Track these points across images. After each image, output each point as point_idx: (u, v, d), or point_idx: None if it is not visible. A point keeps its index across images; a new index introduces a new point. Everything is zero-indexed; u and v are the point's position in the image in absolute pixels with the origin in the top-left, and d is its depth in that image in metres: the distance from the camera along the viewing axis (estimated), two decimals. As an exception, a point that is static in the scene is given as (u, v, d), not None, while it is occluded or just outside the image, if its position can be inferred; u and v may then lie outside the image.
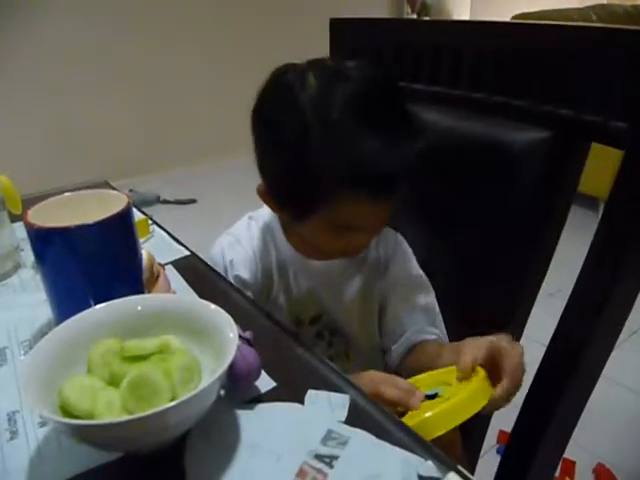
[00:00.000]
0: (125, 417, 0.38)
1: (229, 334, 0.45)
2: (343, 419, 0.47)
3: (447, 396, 0.66)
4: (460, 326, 0.77)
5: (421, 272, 0.85)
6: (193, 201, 3.37)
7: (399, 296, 0.83)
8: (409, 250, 0.86)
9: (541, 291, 0.81)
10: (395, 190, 0.67)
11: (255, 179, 0.73)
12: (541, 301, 0.82)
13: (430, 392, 0.69)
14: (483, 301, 0.83)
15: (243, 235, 0.81)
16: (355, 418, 0.47)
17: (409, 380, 0.73)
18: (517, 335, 0.83)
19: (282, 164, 0.68)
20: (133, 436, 0.39)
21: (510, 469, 0.84)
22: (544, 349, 0.75)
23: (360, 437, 0.45)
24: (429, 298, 0.84)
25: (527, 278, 0.79)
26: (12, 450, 0.46)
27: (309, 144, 0.63)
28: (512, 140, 0.75)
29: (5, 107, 3.05)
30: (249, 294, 0.76)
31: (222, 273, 0.77)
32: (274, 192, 0.72)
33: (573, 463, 1.47)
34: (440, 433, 0.60)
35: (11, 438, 0.47)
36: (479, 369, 0.65)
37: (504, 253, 0.78)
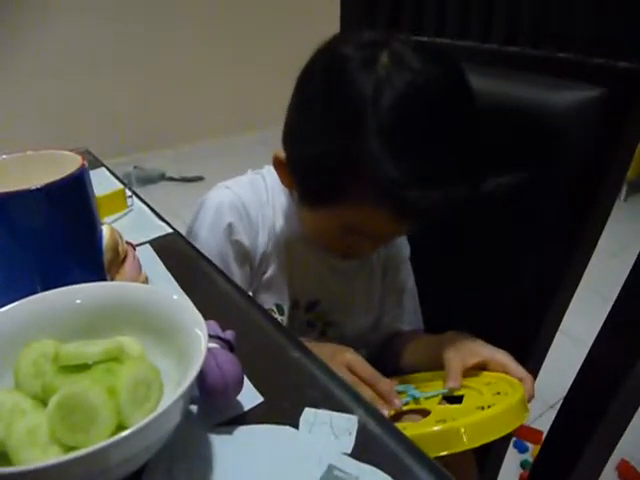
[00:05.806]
0: (35, 464, 0.26)
1: (197, 334, 0.34)
2: (349, 450, 0.36)
3: (477, 403, 0.56)
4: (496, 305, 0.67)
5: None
6: (200, 178, 3.25)
7: (392, 277, 0.81)
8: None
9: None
10: (423, 219, 0.60)
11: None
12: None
13: (442, 391, 0.61)
14: (526, 278, 0.72)
15: (249, 196, 0.72)
16: (364, 448, 0.36)
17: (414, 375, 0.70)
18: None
19: (317, 143, 0.58)
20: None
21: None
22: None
23: (371, 477, 0.34)
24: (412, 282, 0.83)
25: (574, 255, 0.67)
26: None
27: (356, 137, 0.52)
28: (556, 101, 0.64)
29: (5, 86, 2.94)
30: (247, 268, 0.70)
31: (214, 231, 0.68)
32: (295, 168, 0.63)
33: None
34: (469, 447, 0.50)
35: None
36: (517, 385, 0.55)
37: (547, 234, 0.66)
